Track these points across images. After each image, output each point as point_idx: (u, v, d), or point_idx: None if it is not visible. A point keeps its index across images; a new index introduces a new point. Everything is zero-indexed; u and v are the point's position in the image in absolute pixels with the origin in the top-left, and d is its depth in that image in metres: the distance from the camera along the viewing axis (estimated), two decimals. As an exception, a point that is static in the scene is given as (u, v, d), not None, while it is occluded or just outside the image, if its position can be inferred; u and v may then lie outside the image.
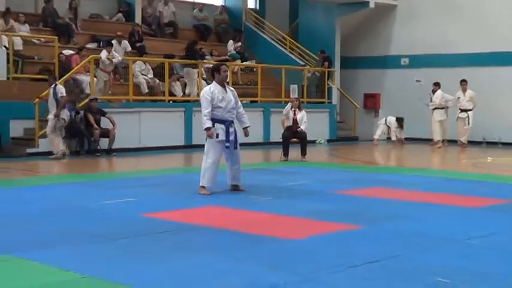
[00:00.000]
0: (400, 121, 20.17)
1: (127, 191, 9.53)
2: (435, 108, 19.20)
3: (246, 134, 9.62)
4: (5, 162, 13.63)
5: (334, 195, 9.27)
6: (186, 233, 6.62)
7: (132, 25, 19.78)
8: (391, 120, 20.34)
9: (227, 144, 9.16)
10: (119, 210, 7.87)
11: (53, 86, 14.24)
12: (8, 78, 15.74)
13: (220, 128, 9.11)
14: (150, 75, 18.02)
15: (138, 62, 17.87)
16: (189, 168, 13.87)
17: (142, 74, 17.82)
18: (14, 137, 15.42)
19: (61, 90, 14.26)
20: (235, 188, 9.49)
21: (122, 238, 6.29)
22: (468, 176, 12.04)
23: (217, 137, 9.09)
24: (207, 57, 20.12)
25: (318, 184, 10.50)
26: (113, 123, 15.50)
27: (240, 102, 9.61)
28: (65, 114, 14.45)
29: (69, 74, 15.97)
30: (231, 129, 9.23)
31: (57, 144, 14.27)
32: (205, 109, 9.07)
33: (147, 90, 17.61)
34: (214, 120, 9.10)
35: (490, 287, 4.72)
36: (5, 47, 15.72)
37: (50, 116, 14.23)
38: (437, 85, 19.26)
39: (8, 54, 15.70)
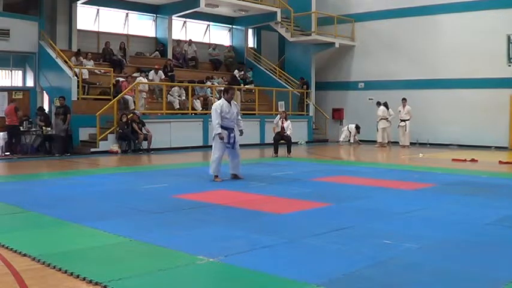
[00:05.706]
0: (358, 128, 20.36)
1: (161, 178, 9.53)
2: (380, 119, 19.23)
3: (241, 134, 9.52)
4: (76, 158, 13.75)
5: (311, 182, 9.25)
6: (203, 209, 6.61)
7: (165, 60, 19.74)
8: (352, 127, 20.51)
9: (228, 145, 9.18)
10: (155, 192, 7.87)
11: None
12: (78, 98, 15.79)
13: (224, 133, 9.12)
14: (183, 96, 17.98)
15: (175, 87, 17.83)
16: (205, 162, 13.76)
17: (178, 96, 17.80)
18: (82, 140, 15.59)
19: None
20: (234, 176, 9.41)
21: (158, 212, 6.29)
22: (405, 167, 12.05)
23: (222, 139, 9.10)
24: (218, 81, 20.12)
25: (299, 174, 10.49)
26: (147, 131, 15.52)
27: (240, 114, 9.60)
28: None
29: (120, 95, 15.96)
30: (232, 134, 9.23)
31: None
32: (216, 119, 9.07)
33: (178, 107, 17.57)
34: (221, 127, 9.08)
35: (420, 245, 4.71)
36: (76, 76, 15.78)
37: None
38: (379, 104, 19.27)
39: (78, 81, 15.76)
